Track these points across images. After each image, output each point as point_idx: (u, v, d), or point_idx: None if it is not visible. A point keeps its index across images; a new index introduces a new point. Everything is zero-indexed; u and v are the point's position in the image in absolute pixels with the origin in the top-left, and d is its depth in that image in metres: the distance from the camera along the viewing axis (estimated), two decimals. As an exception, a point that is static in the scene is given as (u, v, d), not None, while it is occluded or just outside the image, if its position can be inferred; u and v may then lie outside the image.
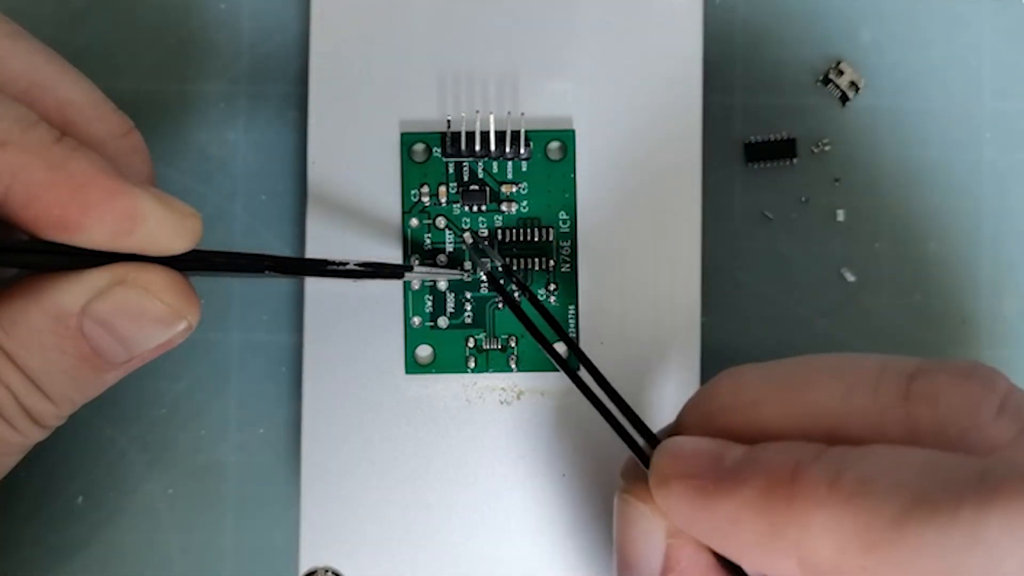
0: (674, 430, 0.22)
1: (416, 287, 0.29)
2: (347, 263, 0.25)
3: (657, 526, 0.21)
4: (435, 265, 0.29)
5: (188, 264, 0.23)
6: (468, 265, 0.29)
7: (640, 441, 0.23)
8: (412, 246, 0.29)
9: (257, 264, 0.24)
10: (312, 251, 0.29)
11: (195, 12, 0.30)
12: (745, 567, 0.20)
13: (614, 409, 0.24)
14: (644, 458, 0.22)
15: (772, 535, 0.19)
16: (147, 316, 0.22)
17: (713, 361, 0.30)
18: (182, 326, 0.23)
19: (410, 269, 0.28)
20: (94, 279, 0.22)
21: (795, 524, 0.18)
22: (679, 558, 0.21)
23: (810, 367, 0.21)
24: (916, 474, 0.18)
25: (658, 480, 0.21)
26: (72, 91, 0.24)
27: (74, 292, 0.22)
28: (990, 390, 0.20)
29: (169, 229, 0.22)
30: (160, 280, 0.22)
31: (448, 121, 0.29)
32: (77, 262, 0.22)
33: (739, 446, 0.20)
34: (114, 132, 0.24)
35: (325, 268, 0.25)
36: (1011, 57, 0.30)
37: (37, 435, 0.23)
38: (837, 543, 0.18)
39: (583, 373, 0.25)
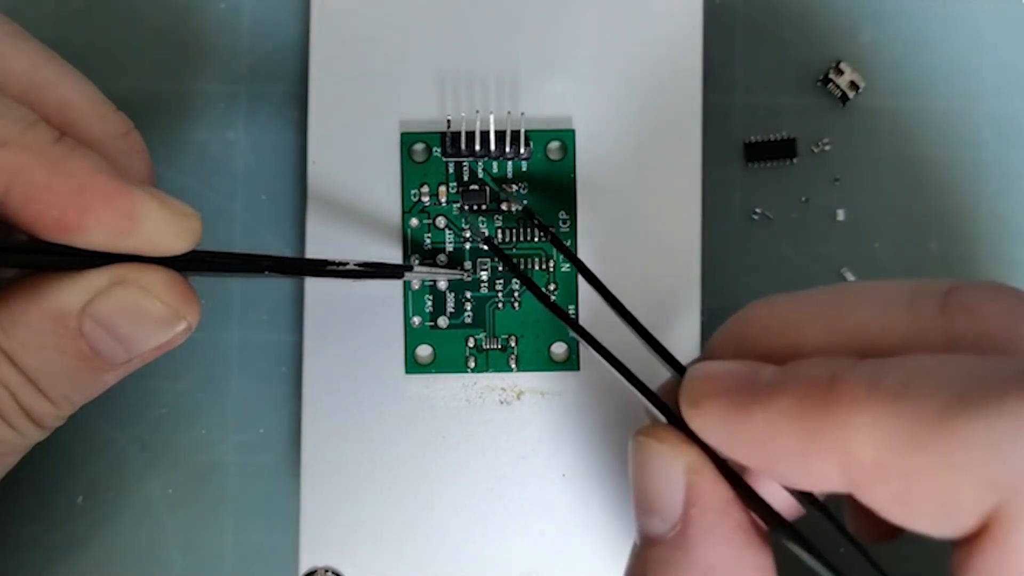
0: (703, 358, 0.22)
1: (416, 287, 0.29)
2: (347, 263, 0.25)
3: (676, 463, 0.21)
4: (435, 265, 0.29)
5: (188, 264, 0.23)
6: (468, 264, 0.29)
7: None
8: (412, 246, 0.29)
9: (257, 264, 0.24)
10: (312, 251, 0.29)
11: (195, 12, 0.31)
12: (780, 480, 0.20)
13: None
14: (660, 400, 0.22)
15: (811, 440, 0.18)
16: (147, 316, 0.22)
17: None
18: (182, 326, 0.23)
19: (410, 269, 0.28)
20: (94, 279, 0.22)
21: (835, 425, 0.18)
22: (700, 492, 0.20)
23: (845, 289, 0.21)
24: (959, 373, 0.18)
25: (690, 401, 0.20)
26: (72, 91, 0.24)
27: (74, 292, 0.22)
28: None
29: (168, 229, 0.22)
30: (159, 280, 0.22)
31: (448, 121, 0.29)
32: (77, 263, 0.22)
33: (772, 366, 0.20)
34: (114, 132, 0.24)
35: (325, 268, 0.25)
36: (1011, 57, 0.30)
37: (36, 435, 0.23)
38: (879, 442, 0.18)
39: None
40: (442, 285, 0.29)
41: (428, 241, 0.29)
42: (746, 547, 0.20)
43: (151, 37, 0.30)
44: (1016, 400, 0.17)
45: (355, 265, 0.25)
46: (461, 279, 0.29)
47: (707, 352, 0.22)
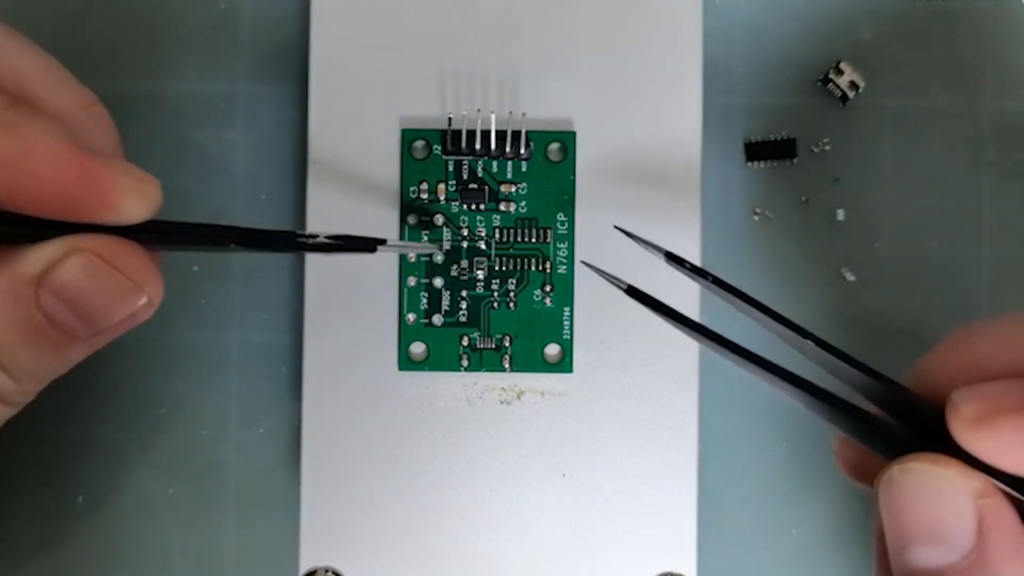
0: (919, 391, 0.21)
1: (412, 284, 0.29)
2: (317, 236, 0.24)
3: (965, 488, 0.19)
4: (406, 239, 0.29)
5: (148, 236, 0.22)
6: (465, 264, 0.29)
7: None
8: (411, 241, 0.29)
9: (221, 237, 0.23)
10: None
11: (195, 12, 0.31)
12: None
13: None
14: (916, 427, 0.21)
15: None
16: (104, 287, 0.22)
17: (713, 361, 0.30)
18: (142, 300, 0.22)
19: (382, 243, 0.26)
20: (48, 250, 0.21)
21: None
22: (998, 515, 0.19)
23: None
24: None
25: (973, 425, 0.19)
26: (26, 62, 0.23)
27: (28, 264, 0.21)
28: None
29: (125, 195, 0.21)
30: (116, 249, 0.22)
31: (449, 119, 0.29)
32: (31, 234, 0.21)
33: None
34: (75, 104, 0.23)
35: (295, 241, 0.24)
36: (1011, 57, 0.30)
37: (2, 412, 0.23)
38: None
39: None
40: (438, 283, 0.29)
41: (426, 239, 0.29)
42: None
43: (151, 37, 0.31)
44: None
45: (325, 238, 0.24)
46: (432, 254, 0.29)
47: (920, 383, 0.21)
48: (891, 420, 0.21)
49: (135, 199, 0.21)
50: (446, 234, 0.29)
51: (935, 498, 0.20)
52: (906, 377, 0.22)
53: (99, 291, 0.22)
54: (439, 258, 0.29)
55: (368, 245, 0.25)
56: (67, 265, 0.21)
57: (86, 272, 0.21)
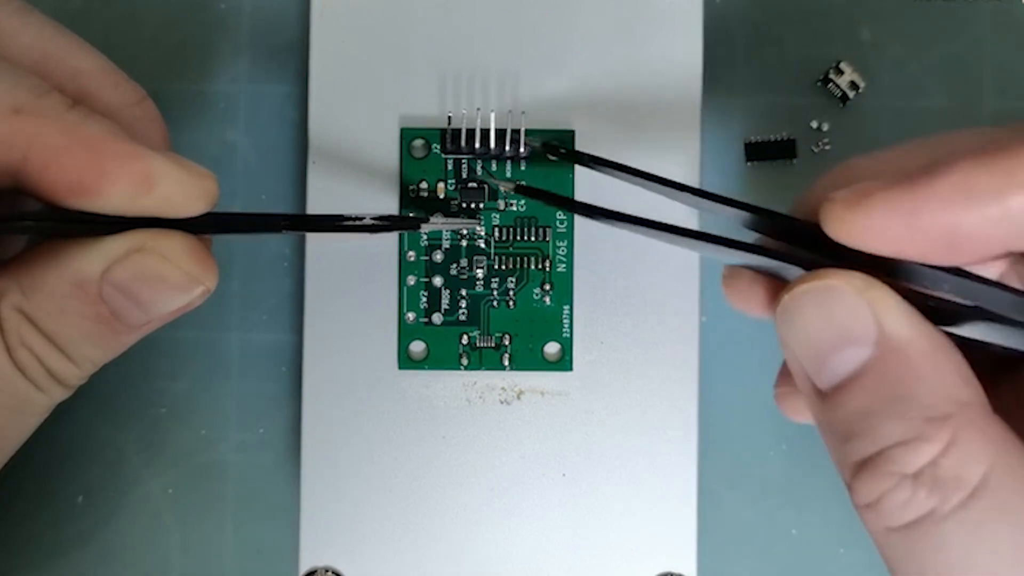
0: (805, 211, 0.22)
1: (411, 283, 0.29)
2: (363, 217, 0.25)
3: (849, 288, 0.20)
4: (449, 216, 0.29)
5: (206, 227, 0.23)
6: (464, 263, 0.29)
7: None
8: (410, 240, 0.29)
9: (274, 223, 0.24)
10: (312, 248, 0.29)
11: (195, 12, 0.31)
12: (970, 250, 0.20)
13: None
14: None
15: (1011, 175, 0.19)
16: (165, 282, 0.22)
17: (713, 361, 0.30)
18: (199, 290, 0.23)
19: (426, 221, 0.27)
20: (112, 246, 0.22)
21: None
22: (886, 303, 0.20)
23: (948, 133, 0.22)
24: None
25: (846, 209, 0.20)
26: (83, 61, 0.24)
27: (93, 259, 0.22)
28: None
29: (185, 190, 0.22)
30: (178, 247, 0.22)
31: (449, 118, 0.29)
32: (95, 229, 0.22)
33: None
34: (128, 100, 0.24)
35: (342, 223, 0.25)
36: (1011, 57, 0.30)
37: (60, 395, 0.23)
38: None
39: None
40: (437, 282, 0.29)
41: (425, 237, 0.29)
42: (941, 334, 0.20)
43: (151, 37, 0.31)
44: None
45: (372, 219, 0.25)
46: (475, 231, 0.29)
47: (805, 206, 0.22)
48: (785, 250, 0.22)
49: (196, 194, 0.22)
50: (445, 233, 0.29)
51: (829, 307, 0.20)
52: (795, 205, 0.22)
53: (159, 285, 0.23)
54: (480, 231, 0.29)
55: (413, 223, 0.26)
56: (131, 262, 0.22)
57: (148, 269, 0.22)
